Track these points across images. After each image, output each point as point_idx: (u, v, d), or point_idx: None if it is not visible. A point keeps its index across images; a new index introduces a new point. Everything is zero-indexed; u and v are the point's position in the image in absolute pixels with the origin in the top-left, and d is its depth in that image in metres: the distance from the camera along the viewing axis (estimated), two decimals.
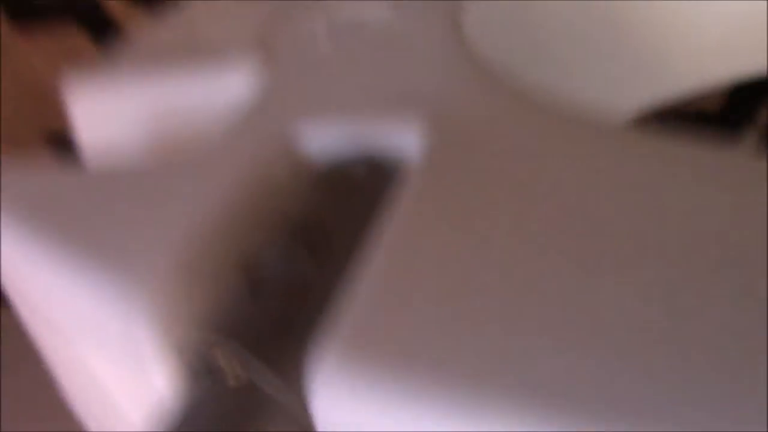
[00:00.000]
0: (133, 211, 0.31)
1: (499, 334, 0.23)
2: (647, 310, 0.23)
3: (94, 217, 0.31)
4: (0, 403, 0.67)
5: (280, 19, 0.46)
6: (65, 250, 0.30)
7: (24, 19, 0.77)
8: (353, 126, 0.34)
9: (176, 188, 0.32)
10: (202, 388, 0.25)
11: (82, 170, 0.36)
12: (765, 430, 0.20)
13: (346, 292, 0.26)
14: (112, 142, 0.45)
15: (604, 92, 0.49)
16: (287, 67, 0.41)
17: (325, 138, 0.34)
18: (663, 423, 0.20)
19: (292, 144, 0.34)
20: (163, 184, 0.32)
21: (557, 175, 0.29)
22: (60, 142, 0.78)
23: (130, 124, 0.45)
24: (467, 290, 0.24)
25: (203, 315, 0.27)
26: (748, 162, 0.30)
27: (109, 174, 0.34)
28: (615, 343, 0.22)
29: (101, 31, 0.78)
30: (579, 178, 0.29)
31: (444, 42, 0.39)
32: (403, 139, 0.33)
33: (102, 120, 0.46)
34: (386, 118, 0.34)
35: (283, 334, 0.26)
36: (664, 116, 0.53)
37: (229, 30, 0.48)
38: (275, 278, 0.28)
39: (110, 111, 0.45)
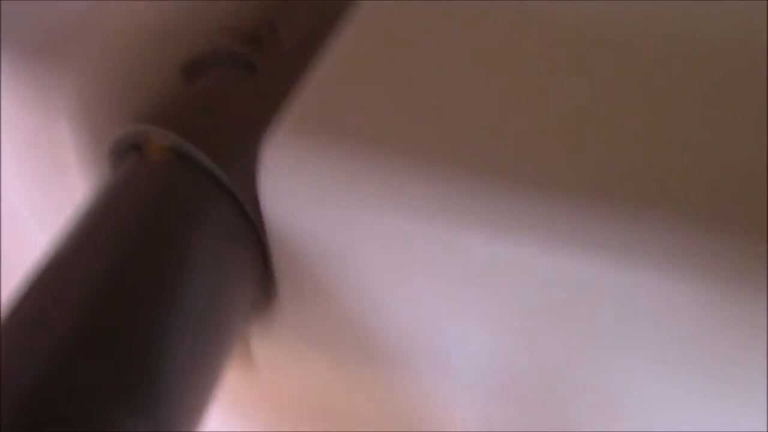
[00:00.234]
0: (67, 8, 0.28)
1: (443, 118, 0.22)
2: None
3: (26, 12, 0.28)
4: None
5: None
6: None
7: None
8: None
9: None
10: (124, 167, 0.23)
11: None
12: None
13: (300, 84, 0.23)
14: None
15: None
16: None
17: None
18: None
19: None
20: None
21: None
22: None
23: None
24: (418, 84, 0.23)
25: (132, 107, 0.25)
26: None
27: None
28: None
29: None
30: None
31: None
32: None
33: None
34: None
35: (225, 120, 0.24)
36: None
37: None
38: (216, 70, 0.25)
39: None
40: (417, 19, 0.25)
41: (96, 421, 0.17)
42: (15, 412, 0.17)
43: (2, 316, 0.19)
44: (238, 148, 0.23)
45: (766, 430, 0.20)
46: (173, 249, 0.21)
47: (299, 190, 0.21)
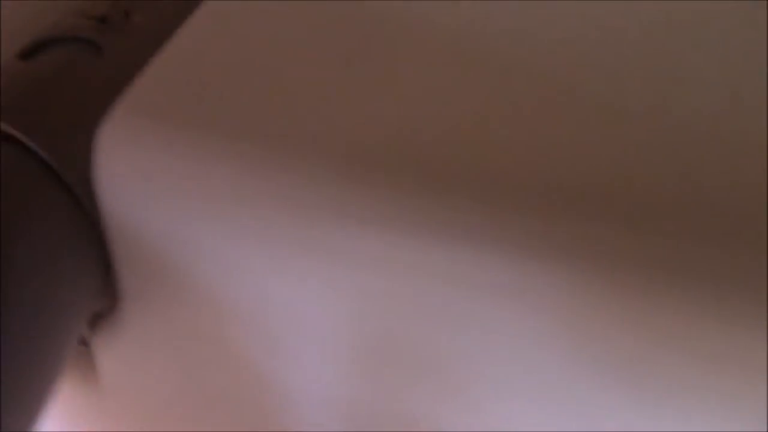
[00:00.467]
0: None
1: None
2: None
3: None
4: None
5: None
6: None
7: None
8: None
9: None
10: None
11: None
12: None
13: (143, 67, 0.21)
14: None
15: None
16: None
17: None
18: None
19: None
20: None
21: None
22: None
23: None
24: (259, 74, 0.22)
25: None
26: None
27: None
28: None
29: None
30: None
31: None
32: None
33: None
34: None
35: (60, 102, 0.21)
36: None
37: None
38: (58, 50, 0.23)
39: None
40: (261, 13, 0.24)
41: None
42: None
43: None
44: (76, 132, 0.21)
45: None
46: (5, 234, 0.18)
47: (136, 178, 0.19)
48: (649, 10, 0.24)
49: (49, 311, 0.19)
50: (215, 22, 0.23)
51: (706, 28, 0.23)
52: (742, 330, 0.16)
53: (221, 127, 0.19)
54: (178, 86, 0.20)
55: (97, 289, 0.21)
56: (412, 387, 0.20)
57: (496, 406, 0.20)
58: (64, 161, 0.20)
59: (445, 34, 0.22)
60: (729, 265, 0.17)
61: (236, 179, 0.18)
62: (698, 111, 0.20)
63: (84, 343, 0.23)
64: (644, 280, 0.17)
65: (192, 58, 0.22)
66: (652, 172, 0.18)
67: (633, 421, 0.18)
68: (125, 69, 0.23)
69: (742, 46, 0.22)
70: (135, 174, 0.19)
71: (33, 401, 0.18)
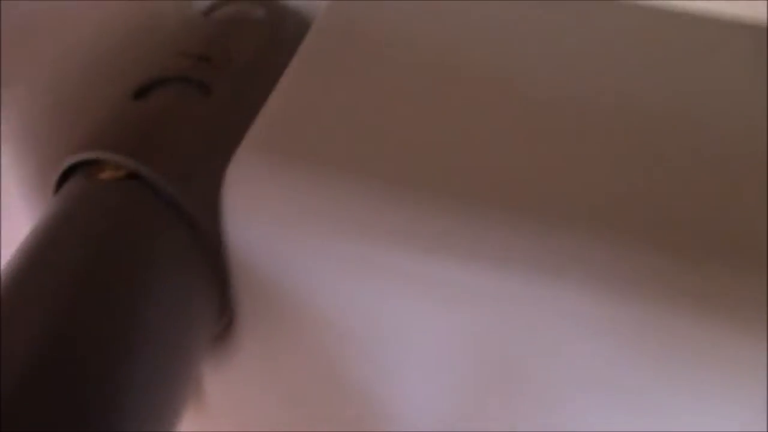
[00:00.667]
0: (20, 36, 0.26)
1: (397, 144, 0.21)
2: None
3: None
4: None
5: None
6: None
7: None
8: None
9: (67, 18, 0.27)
10: (74, 190, 0.22)
11: None
12: None
13: (249, 107, 0.23)
14: None
15: None
16: None
17: None
18: None
19: None
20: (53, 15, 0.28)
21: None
22: None
23: None
24: (373, 112, 0.23)
25: (81, 133, 0.23)
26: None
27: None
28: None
29: None
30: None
31: None
32: None
33: None
34: None
35: (178, 141, 0.23)
36: None
37: None
38: (167, 92, 0.24)
39: None
40: (370, 44, 0.25)
41: None
42: None
43: None
44: (193, 169, 0.22)
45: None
46: (127, 275, 0.20)
47: (263, 215, 0.20)
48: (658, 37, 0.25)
49: (178, 338, 0.21)
50: (323, 59, 0.24)
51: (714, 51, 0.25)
52: None
53: (339, 164, 0.20)
54: (297, 125, 0.22)
55: (217, 315, 0.23)
56: (509, 413, 0.22)
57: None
58: (188, 197, 0.21)
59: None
60: None
61: (355, 215, 0.20)
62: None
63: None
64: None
65: (306, 96, 0.23)
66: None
67: None
68: (235, 107, 0.24)
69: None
70: (260, 210, 0.20)
71: (169, 416, 0.20)
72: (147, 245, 0.21)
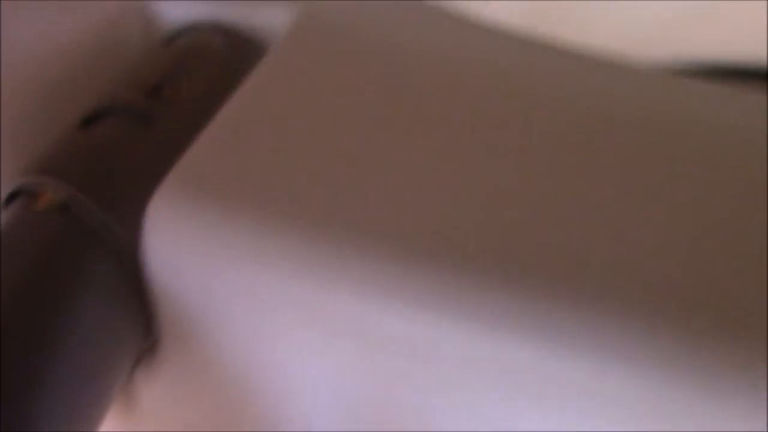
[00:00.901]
0: None
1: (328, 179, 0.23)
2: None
3: None
4: None
5: None
6: None
7: None
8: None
9: (23, 28, 0.29)
10: (10, 214, 0.23)
11: None
12: None
13: (192, 140, 0.25)
14: None
15: None
16: None
17: (182, 11, 0.32)
18: None
19: (146, 12, 0.32)
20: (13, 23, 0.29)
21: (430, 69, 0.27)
22: None
23: None
24: (307, 147, 0.24)
25: (30, 158, 0.25)
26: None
27: None
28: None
29: None
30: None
31: None
32: (268, 18, 0.31)
33: None
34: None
35: (115, 172, 0.25)
36: None
37: None
38: (113, 121, 0.26)
39: None
40: (313, 82, 0.26)
41: None
42: None
43: None
44: (127, 200, 0.24)
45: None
46: (54, 300, 0.22)
47: (180, 246, 0.22)
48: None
49: (102, 356, 0.22)
50: (263, 93, 0.26)
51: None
52: None
53: (257, 200, 0.22)
54: (225, 159, 0.23)
55: (142, 335, 0.24)
56: None
57: None
58: (117, 226, 0.23)
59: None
60: None
61: (272, 250, 0.21)
62: None
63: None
64: None
65: (240, 130, 0.24)
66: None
67: None
68: (174, 140, 0.26)
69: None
70: (176, 241, 0.22)
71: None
72: (73, 272, 0.22)
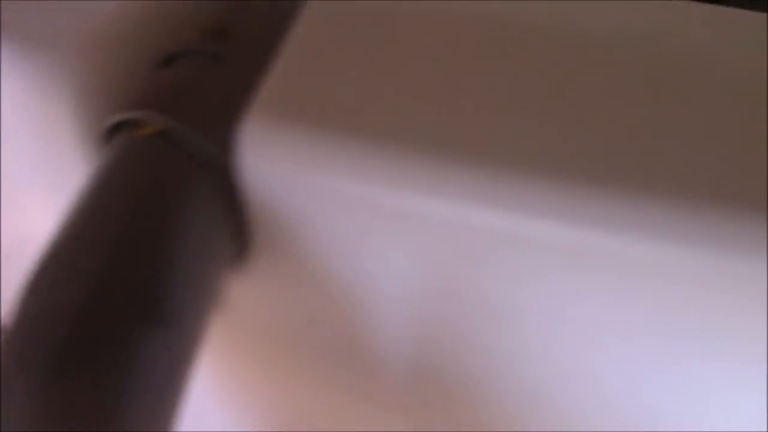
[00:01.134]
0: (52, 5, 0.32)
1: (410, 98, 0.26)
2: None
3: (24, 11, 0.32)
4: None
5: None
6: None
7: None
8: None
9: None
10: (119, 145, 0.28)
11: None
12: None
13: (259, 73, 0.28)
14: None
15: None
16: None
17: None
18: None
19: None
20: None
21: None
22: None
23: None
24: (373, 69, 0.28)
25: (120, 94, 0.30)
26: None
27: None
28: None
29: None
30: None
31: None
32: None
33: None
34: None
35: (200, 102, 0.29)
36: None
37: None
38: (188, 61, 0.30)
39: None
40: (368, 10, 0.30)
41: (128, 334, 0.22)
42: (60, 333, 0.22)
43: (36, 267, 0.24)
44: (214, 125, 0.28)
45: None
46: (167, 204, 0.26)
47: (272, 162, 0.26)
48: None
49: (208, 252, 0.27)
50: (323, 23, 0.30)
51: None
52: None
53: (339, 115, 0.26)
54: (303, 82, 0.27)
55: (235, 239, 0.29)
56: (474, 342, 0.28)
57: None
58: (211, 147, 0.27)
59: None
60: None
61: (352, 162, 0.25)
62: None
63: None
64: None
65: (310, 57, 0.28)
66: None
67: None
68: (244, 74, 0.29)
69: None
70: (271, 157, 0.26)
71: (206, 316, 0.27)
72: (178, 187, 0.27)
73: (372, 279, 0.28)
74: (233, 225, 0.28)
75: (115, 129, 0.29)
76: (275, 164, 0.27)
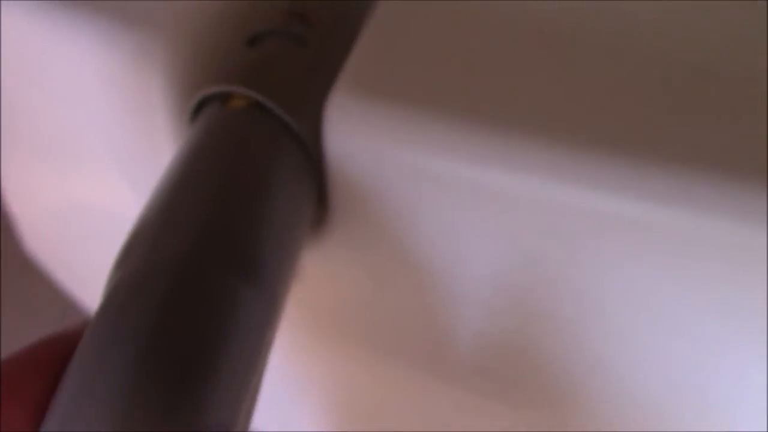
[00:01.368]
0: None
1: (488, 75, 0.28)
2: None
3: None
4: None
5: None
6: (74, 8, 0.32)
7: None
8: None
9: None
10: (206, 115, 0.29)
11: None
12: None
13: (341, 55, 0.30)
14: None
15: None
16: None
17: None
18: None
19: None
20: None
21: None
22: None
23: None
24: (461, 47, 0.29)
25: (210, 70, 0.31)
26: None
27: None
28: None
29: None
30: None
31: None
32: None
33: None
34: None
35: (288, 80, 0.30)
36: None
37: None
38: (275, 42, 0.32)
39: None
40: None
41: (221, 289, 0.24)
42: (162, 286, 0.23)
43: (137, 225, 0.26)
44: (300, 101, 0.30)
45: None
46: (258, 171, 0.28)
47: (357, 137, 0.28)
48: None
49: (294, 215, 0.29)
50: (402, 8, 0.31)
51: None
52: None
53: (426, 95, 0.27)
54: (384, 63, 0.28)
55: (315, 207, 0.30)
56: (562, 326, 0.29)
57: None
58: (298, 121, 0.29)
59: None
60: None
61: (436, 136, 0.26)
62: None
63: None
64: None
65: (390, 39, 0.29)
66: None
67: None
68: (330, 55, 0.31)
69: None
70: (356, 133, 0.28)
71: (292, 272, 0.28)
72: (267, 156, 0.28)
73: (453, 258, 0.29)
74: (315, 195, 0.30)
75: (204, 103, 0.30)
76: (360, 138, 0.28)
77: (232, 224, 0.26)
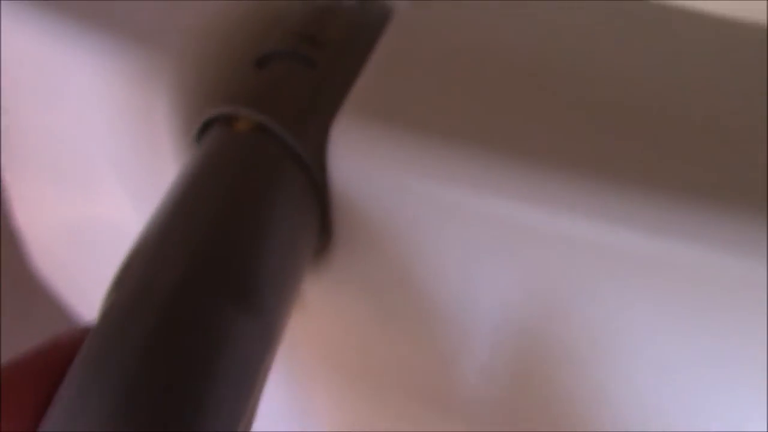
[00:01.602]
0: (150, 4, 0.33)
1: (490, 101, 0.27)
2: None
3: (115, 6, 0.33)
4: None
5: None
6: (81, 26, 0.32)
7: None
8: None
9: None
10: (214, 138, 0.29)
11: None
12: None
13: (350, 78, 0.29)
14: None
15: None
16: None
17: None
18: None
19: None
20: None
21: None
22: None
23: None
24: (471, 74, 0.29)
25: (216, 91, 0.31)
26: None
27: None
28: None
29: None
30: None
31: None
32: None
33: None
34: None
35: (294, 102, 0.30)
36: None
37: None
38: (283, 64, 0.31)
39: None
40: (459, 17, 0.31)
41: (214, 316, 0.23)
42: (155, 311, 0.23)
43: (133, 249, 0.25)
44: (306, 124, 0.29)
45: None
46: (260, 196, 0.27)
47: (361, 162, 0.27)
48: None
49: (293, 242, 0.28)
50: (412, 31, 0.30)
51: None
52: None
53: (432, 121, 0.27)
54: (392, 88, 0.28)
55: (317, 235, 0.30)
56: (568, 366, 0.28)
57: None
58: (302, 145, 0.28)
59: None
60: None
61: (442, 163, 0.26)
62: None
63: None
64: None
65: (398, 63, 0.29)
66: None
67: None
68: (338, 78, 0.31)
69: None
70: (360, 157, 0.27)
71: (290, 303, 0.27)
72: (270, 181, 0.28)
73: (459, 289, 0.28)
74: (318, 222, 0.29)
75: (209, 124, 0.30)
76: (365, 164, 0.27)
77: (229, 249, 0.25)
